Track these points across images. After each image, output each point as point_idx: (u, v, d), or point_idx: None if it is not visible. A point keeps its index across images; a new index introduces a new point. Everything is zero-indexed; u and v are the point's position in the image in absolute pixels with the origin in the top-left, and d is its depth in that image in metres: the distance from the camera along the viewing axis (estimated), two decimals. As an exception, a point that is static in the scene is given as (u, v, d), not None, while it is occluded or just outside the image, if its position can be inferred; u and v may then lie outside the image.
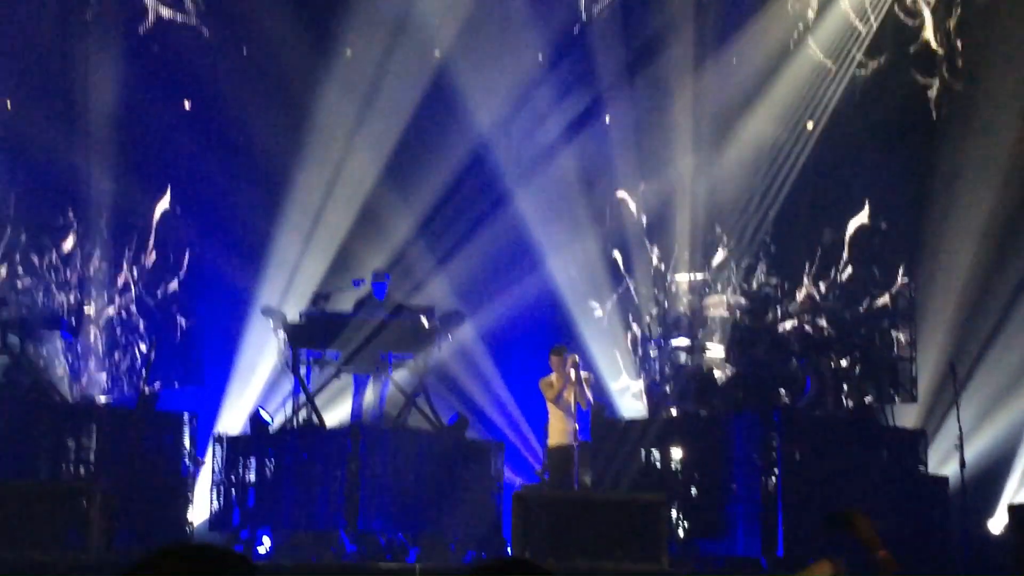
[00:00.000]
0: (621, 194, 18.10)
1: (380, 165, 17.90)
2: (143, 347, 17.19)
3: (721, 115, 17.86)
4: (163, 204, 17.88)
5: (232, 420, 16.60)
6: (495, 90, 17.92)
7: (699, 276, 16.78)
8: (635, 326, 17.44)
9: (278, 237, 17.67)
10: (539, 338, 17.11)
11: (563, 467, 13.83)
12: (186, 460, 14.33)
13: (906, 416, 15.89)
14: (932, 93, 17.72)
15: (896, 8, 17.65)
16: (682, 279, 16.89)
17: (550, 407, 14.31)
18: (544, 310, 17.81)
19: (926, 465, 14.50)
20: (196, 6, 17.79)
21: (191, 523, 14.29)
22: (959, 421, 13.86)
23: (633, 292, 17.71)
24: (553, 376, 14.33)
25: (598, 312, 17.74)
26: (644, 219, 17.95)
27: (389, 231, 17.89)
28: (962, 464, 13.73)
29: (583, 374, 14.35)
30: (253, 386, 17.00)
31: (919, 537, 13.56)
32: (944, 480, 14.45)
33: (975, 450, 15.35)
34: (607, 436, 14.45)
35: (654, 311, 17.12)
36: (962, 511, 13.80)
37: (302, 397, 14.61)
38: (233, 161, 18.03)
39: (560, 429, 14.04)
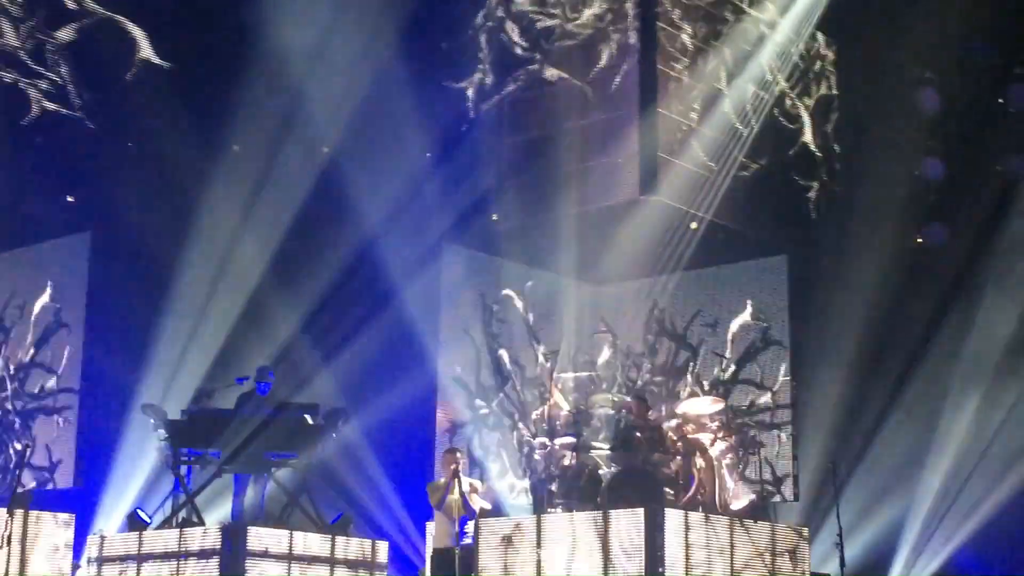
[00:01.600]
0: (507, 292, 18.18)
1: (266, 261, 17.81)
2: (18, 445, 16.83)
3: (607, 213, 18.06)
4: (43, 299, 17.61)
5: (110, 520, 16.26)
6: (382, 186, 17.96)
7: (584, 374, 16.86)
8: (521, 425, 17.46)
9: (161, 333, 17.45)
10: (423, 436, 17.06)
11: (445, 569, 13.70)
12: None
13: (788, 514, 16.05)
14: (811, 194, 18.12)
15: (776, 112, 18.07)
16: (567, 377, 16.96)
17: (435, 511, 14.22)
18: (429, 408, 17.76)
19: (808, 563, 14.61)
20: (82, 100, 17.66)
21: (65, 627, 13.94)
22: (839, 519, 14.03)
23: (519, 390, 17.74)
24: (441, 480, 14.25)
25: (484, 410, 17.73)
26: (530, 316, 18.03)
27: (274, 327, 17.76)
28: (842, 563, 13.86)
29: (475, 483, 14.27)
30: (132, 485, 16.69)
31: (800, 636, 13.63)
32: (825, 578, 14.58)
33: (856, 547, 15.53)
34: (492, 536, 14.34)
35: (540, 409, 17.16)
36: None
37: (182, 497, 14.38)
38: (116, 256, 17.84)
39: (442, 532, 13.95)
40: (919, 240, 18.04)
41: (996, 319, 17.05)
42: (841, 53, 18.66)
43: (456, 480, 13.72)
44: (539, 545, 13.97)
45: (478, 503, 14.40)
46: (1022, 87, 18.05)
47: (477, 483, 14.56)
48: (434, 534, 14.22)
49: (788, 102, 18.36)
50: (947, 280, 17.33)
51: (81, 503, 16.21)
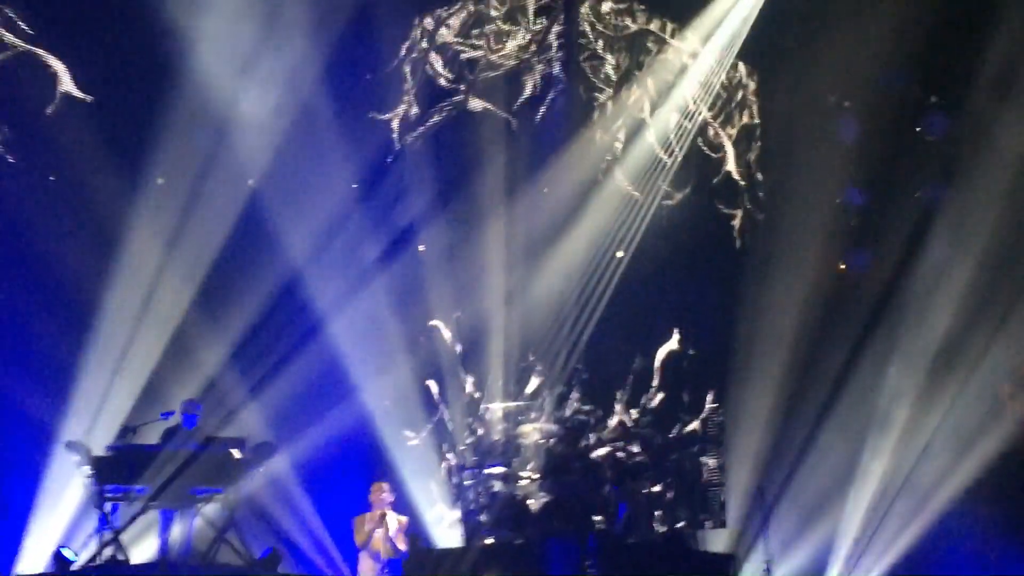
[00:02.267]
0: (435, 322, 18.18)
1: (191, 294, 17.66)
2: (-61, 484, 16.56)
3: (533, 244, 18.13)
4: (-38, 333, 17.37)
5: (33, 559, 16.02)
6: (308, 218, 17.90)
7: (513, 404, 16.88)
8: (450, 455, 17.42)
9: (84, 368, 17.23)
10: (353, 468, 16.97)
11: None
12: (-16, 602, 13.78)
13: (717, 541, 16.15)
14: (736, 222, 18.29)
15: (699, 141, 18.25)
16: (496, 407, 16.97)
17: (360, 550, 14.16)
18: (358, 439, 17.68)
19: (737, 589, 14.71)
20: (2, 133, 17.47)
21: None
22: (767, 545, 14.15)
23: (448, 420, 17.73)
24: (367, 517, 14.13)
25: (413, 441, 17.68)
26: (458, 347, 18.03)
27: (200, 361, 17.61)
28: (772, 588, 13.99)
29: (401, 519, 14.20)
30: (56, 523, 16.44)
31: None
32: (755, 603, 14.67)
33: (784, 573, 15.63)
34: (422, 566, 14.33)
35: (469, 439, 17.15)
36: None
37: (108, 533, 14.20)
38: (38, 289, 17.61)
39: (368, 567, 13.91)
40: (842, 266, 18.27)
41: (918, 343, 17.29)
42: (762, 82, 18.89)
43: (383, 521, 13.65)
44: (471, 574, 13.96)
45: (403, 543, 14.35)
46: (939, 116, 18.36)
47: (403, 519, 14.49)
48: (359, 570, 14.16)
49: (711, 131, 18.54)
50: (870, 305, 17.57)
51: (4, 541, 15.95)
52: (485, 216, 18.05)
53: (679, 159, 18.14)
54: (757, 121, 18.82)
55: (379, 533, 13.69)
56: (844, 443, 17.00)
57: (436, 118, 18.39)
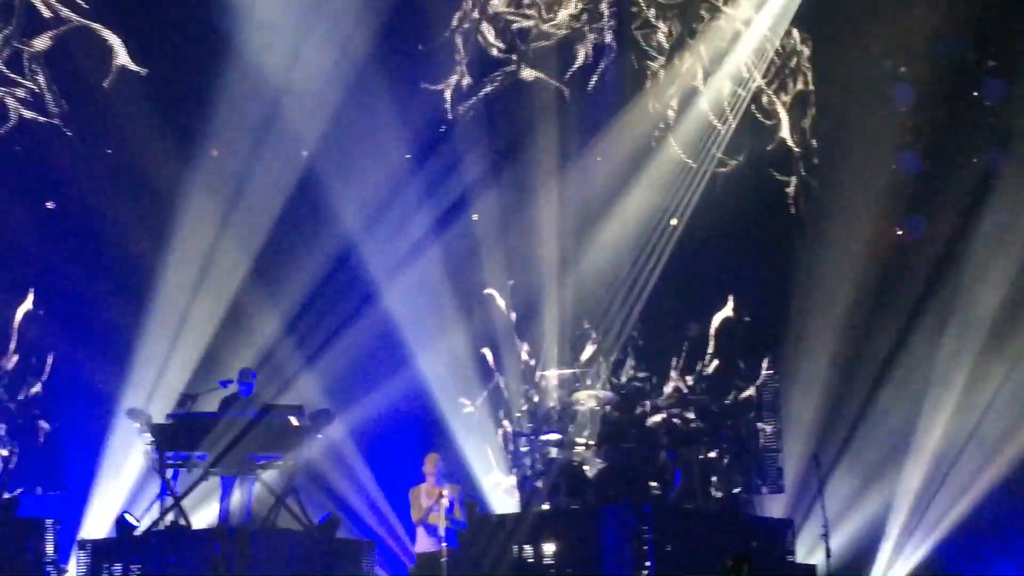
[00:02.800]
0: (490, 290, 18.22)
1: (247, 264, 17.79)
2: (3, 452, 16.78)
3: (586, 211, 18.12)
4: (25, 306, 17.57)
5: (97, 525, 16.22)
6: (362, 188, 17.97)
7: (568, 371, 16.92)
8: (506, 422, 17.49)
9: (144, 338, 17.41)
10: (410, 435, 17.07)
11: (432, 570, 13.68)
12: (48, 567, 13.96)
13: (773, 506, 16.14)
14: (790, 189, 18.21)
15: (753, 108, 18.17)
16: (551, 374, 17.02)
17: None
18: (414, 407, 17.77)
19: (794, 554, 14.68)
20: (59, 107, 17.63)
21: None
22: (824, 511, 14.11)
23: (503, 388, 17.78)
24: (423, 491, 14.13)
25: (468, 408, 17.75)
26: (513, 315, 18.07)
27: (257, 330, 17.74)
28: (828, 553, 13.94)
29: (452, 487, 14.22)
30: (118, 490, 16.64)
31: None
32: (811, 569, 14.63)
33: (841, 539, 15.60)
34: (479, 532, 14.40)
35: (524, 406, 17.21)
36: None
37: (169, 500, 14.37)
38: (97, 262, 17.79)
39: (425, 541, 13.95)
40: (898, 233, 18.16)
41: (975, 310, 17.17)
42: (817, 49, 18.76)
43: (440, 499, 13.62)
44: (528, 541, 14.02)
45: (460, 514, 14.31)
46: (996, 81, 18.18)
47: (455, 488, 14.43)
48: (417, 538, 14.19)
49: (765, 98, 18.46)
50: (927, 272, 17.45)
51: (68, 509, 16.16)
52: (538, 185, 18.06)
53: (733, 127, 18.06)
54: (811, 88, 18.70)
55: (436, 510, 13.68)
56: (901, 408, 16.92)
57: (488, 88, 18.40)
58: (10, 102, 17.57)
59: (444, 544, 13.31)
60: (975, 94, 18.19)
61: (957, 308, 17.30)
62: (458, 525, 14.01)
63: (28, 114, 17.63)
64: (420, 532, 14.12)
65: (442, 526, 13.42)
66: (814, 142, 18.54)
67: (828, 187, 18.04)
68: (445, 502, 13.62)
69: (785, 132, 18.45)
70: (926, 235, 17.98)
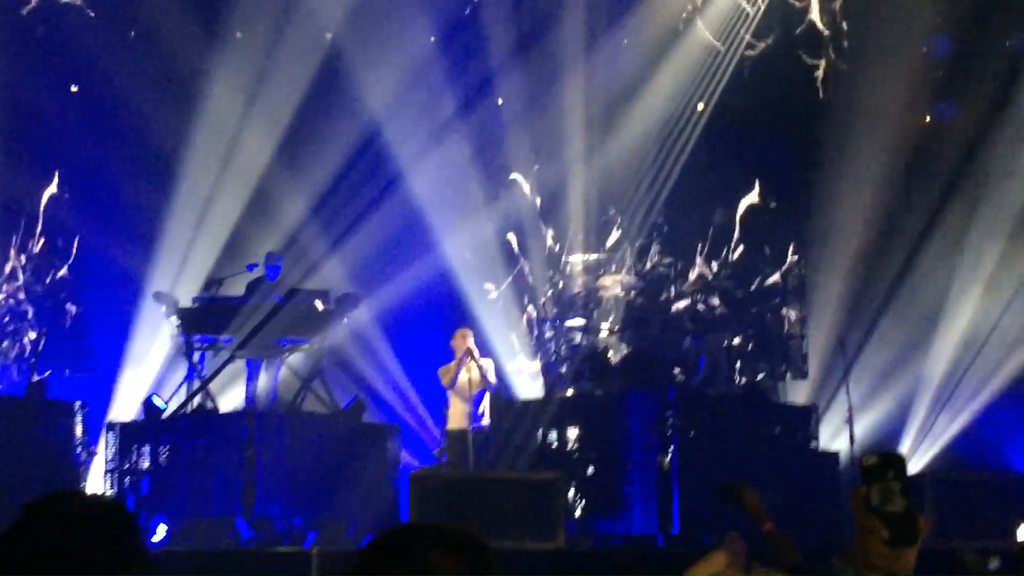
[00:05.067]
0: (515, 175, 18.14)
1: (272, 148, 17.76)
2: (32, 335, 16.92)
3: (612, 96, 17.96)
4: (50, 189, 17.60)
5: (125, 407, 16.39)
6: (386, 71, 17.84)
7: (593, 257, 16.89)
8: (530, 307, 17.51)
9: (169, 222, 17.45)
10: (434, 320, 17.12)
11: (461, 449, 13.85)
12: (78, 449, 14.13)
13: (797, 392, 16.17)
14: (819, 73, 17.99)
15: (783, -11, 17.89)
16: (576, 260, 16.99)
17: (448, 391, 14.27)
18: (439, 292, 17.80)
19: (817, 440, 14.73)
20: (82, -12, 17.49)
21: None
22: (848, 397, 14.14)
23: (528, 273, 17.78)
24: (453, 363, 14.27)
25: (493, 294, 17.77)
26: (538, 200, 18.01)
27: (282, 214, 17.76)
28: (852, 439, 14.01)
29: (486, 361, 14.29)
30: (146, 373, 16.79)
31: (810, 512, 13.77)
32: (834, 456, 14.69)
33: (864, 425, 15.64)
34: (503, 417, 14.49)
35: (549, 292, 17.21)
36: (852, 486, 14.06)
37: (196, 383, 14.50)
38: (122, 145, 17.78)
39: (457, 412, 14.03)
40: (928, 118, 17.95)
41: (1005, 196, 17.02)
42: (849, -71, 18.40)
43: (469, 357, 13.72)
44: (552, 426, 14.11)
45: (493, 377, 14.44)
46: (1032, -38, 17.82)
47: (488, 361, 14.59)
48: (449, 415, 14.29)
49: (795, -21, 18.16)
50: (956, 157, 17.27)
51: (96, 391, 16.32)
52: (564, 67, 17.88)
53: (762, 8, 17.79)
54: (843, -31, 18.37)
55: (464, 375, 13.77)
56: (927, 295, 16.86)
57: (515, -32, 18.15)
58: (32, -18, 17.43)
59: (472, 410, 13.33)
60: (1009, -25, 17.84)
61: (986, 194, 17.15)
62: (491, 387, 14.05)
63: (51, -6, 17.49)
64: (452, 401, 14.05)
65: (471, 389, 13.43)
66: (844, 24, 18.24)
67: (857, 71, 17.78)
68: (474, 365, 13.63)
69: (815, 14, 18.15)
70: (956, 119, 17.76)
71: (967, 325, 16.61)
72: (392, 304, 17.45)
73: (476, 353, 14.16)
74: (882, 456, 3.11)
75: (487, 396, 13.83)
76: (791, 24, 17.90)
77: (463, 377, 14.02)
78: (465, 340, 13.93)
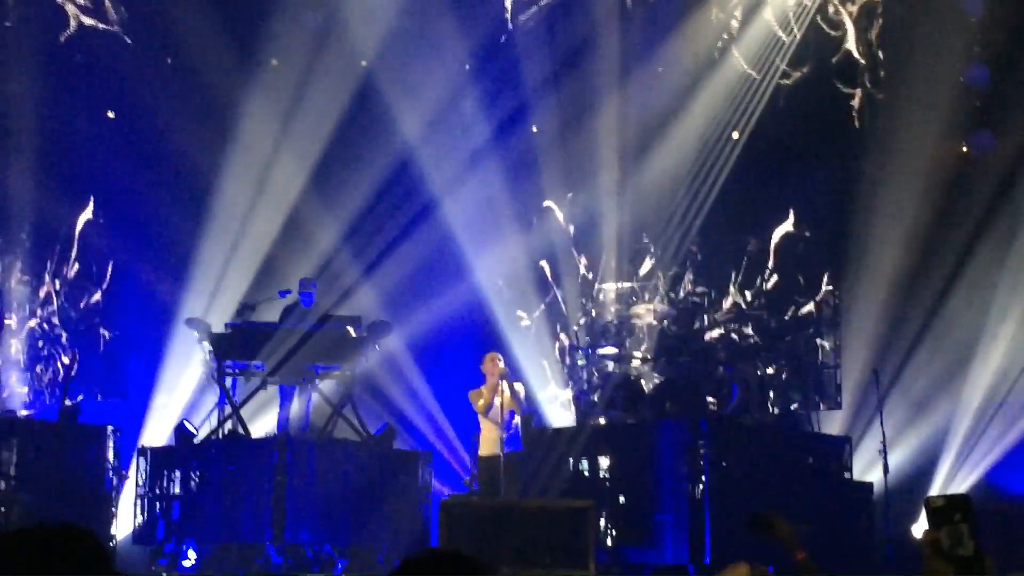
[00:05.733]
0: (548, 203, 18.12)
1: (306, 174, 17.80)
2: (65, 359, 16.97)
3: (647, 124, 17.92)
4: (86, 214, 17.69)
5: (157, 432, 16.42)
6: (421, 98, 17.89)
7: (626, 285, 16.84)
8: (563, 335, 17.46)
9: (203, 247, 17.51)
10: (466, 347, 17.08)
11: (492, 476, 13.76)
12: (110, 473, 14.14)
13: (831, 423, 16.05)
14: (855, 102, 17.91)
15: (819, 19, 17.83)
16: (609, 288, 16.95)
17: (480, 417, 14.16)
18: (471, 319, 17.78)
19: (851, 471, 14.62)
20: (119, 15, 17.61)
21: (114, 537, 14.11)
22: (883, 427, 14.02)
23: (561, 301, 17.74)
24: (483, 387, 14.17)
25: (525, 321, 17.74)
26: (571, 228, 17.98)
27: (315, 240, 17.79)
28: (885, 470, 13.89)
29: (517, 385, 14.19)
30: (178, 398, 16.83)
31: (843, 542, 13.66)
32: (868, 486, 14.57)
33: (898, 456, 15.51)
34: (535, 445, 14.43)
35: (582, 320, 17.16)
36: (885, 516, 13.94)
37: (228, 408, 14.49)
38: (157, 171, 17.87)
39: (489, 439, 13.92)
40: (964, 148, 17.84)
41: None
42: (885, -42, 18.35)
43: (502, 381, 13.59)
44: (584, 454, 14.04)
45: (523, 399, 14.28)
46: (1069, -8, 17.71)
47: (519, 386, 14.47)
48: (481, 441, 14.16)
49: (831, 8, 18.10)
50: (992, 188, 17.14)
51: (128, 416, 16.35)
52: (599, 96, 17.88)
53: (798, 37, 17.74)
54: (879, -2, 18.31)
55: (497, 400, 13.64)
56: (963, 326, 16.71)
57: (550, -3, 18.19)
58: (70, 9, 17.58)
59: (504, 435, 13.21)
60: (1047, 5, 17.73)
61: (1022, 226, 17.00)
62: (523, 408, 13.91)
63: (88, 21, 17.62)
64: (484, 430, 13.90)
65: (504, 413, 13.31)
66: (880, 53, 18.17)
67: (893, 100, 17.70)
68: (506, 389, 13.53)
69: (851, 43, 18.09)
70: (992, 149, 17.64)
71: (1002, 356, 16.45)
72: (424, 331, 17.44)
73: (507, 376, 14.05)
74: (948, 498, 3.06)
75: (517, 418, 13.71)
76: (827, 53, 17.84)
77: (496, 401, 13.90)
78: (496, 363, 13.81)
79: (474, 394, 14.06)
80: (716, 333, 15.75)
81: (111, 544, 13.92)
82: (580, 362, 16.18)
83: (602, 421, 14.95)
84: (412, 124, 17.85)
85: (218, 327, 14.86)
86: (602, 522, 13.37)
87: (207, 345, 14.65)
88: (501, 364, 13.83)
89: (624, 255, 17.36)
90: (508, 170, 18.10)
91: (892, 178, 17.13)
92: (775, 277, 16.85)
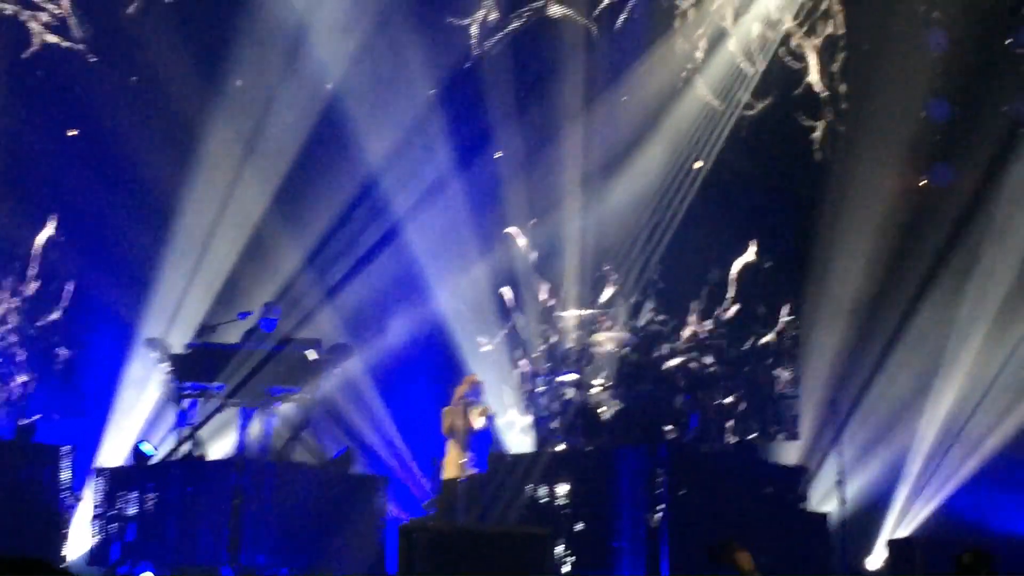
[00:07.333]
0: (510, 229, 18.16)
1: (269, 196, 17.77)
2: (22, 378, 16.85)
3: (610, 153, 18.01)
4: (46, 232, 17.59)
5: (113, 453, 16.31)
6: (385, 123, 17.91)
7: (587, 312, 16.87)
8: (523, 361, 17.47)
9: (164, 267, 17.43)
10: (427, 372, 17.08)
11: (451, 501, 13.74)
12: (64, 494, 14.04)
13: (788, 453, 16.12)
14: (817, 134, 18.06)
15: (782, 51, 17.97)
16: (570, 315, 16.97)
17: (447, 439, 14.05)
18: (432, 344, 17.77)
19: (807, 501, 14.68)
20: (83, 32, 17.55)
21: (65, 558, 14.00)
22: (840, 459, 14.10)
23: (521, 327, 17.76)
24: (455, 410, 14.08)
25: (486, 347, 17.75)
26: (533, 255, 18.02)
27: (277, 263, 17.75)
28: (842, 501, 13.96)
29: (481, 407, 14.13)
30: (136, 418, 16.72)
31: (799, 572, 13.70)
32: (824, 516, 14.63)
33: (855, 487, 15.60)
34: (494, 471, 14.42)
35: (542, 346, 17.17)
36: (842, 547, 14.01)
37: (186, 429, 14.43)
38: (119, 190, 17.78)
39: (452, 461, 13.87)
40: (924, 181, 18.01)
41: (1000, 261, 17.04)
42: (848, -8, 18.53)
43: (463, 405, 13.54)
44: (543, 481, 14.04)
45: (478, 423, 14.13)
46: (1028, 29, 17.94)
47: (486, 408, 14.32)
48: (445, 464, 14.08)
49: (794, 41, 18.26)
50: (951, 221, 17.31)
51: (85, 435, 16.24)
52: (563, 123, 17.95)
53: (760, 69, 17.88)
54: (842, 31, 18.47)
55: (460, 422, 13.58)
56: (920, 359, 16.85)
57: (515, 24, 18.24)
58: (34, 26, 17.50)
59: (468, 457, 13.16)
60: (1007, 42, 17.95)
61: (981, 259, 17.17)
62: (479, 431, 13.82)
63: (52, 39, 17.56)
64: (449, 451, 13.78)
65: (477, 421, 13.24)
66: (843, 87, 18.34)
67: (855, 132, 17.86)
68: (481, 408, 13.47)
69: (813, 75, 18.25)
70: (952, 183, 17.82)
71: (960, 388, 16.59)
72: (385, 355, 17.42)
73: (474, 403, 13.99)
74: (974, 554, 3.22)
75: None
76: (790, 85, 17.98)
77: (460, 424, 13.83)
78: (470, 387, 13.81)
79: (446, 412, 13.91)
80: (676, 362, 15.80)
81: (62, 567, 13.79)
82: (540, 388, 16.19)
83: (561, 447, 14.95)
84: (376, 148, 17.86)
85: (178, 348, 14.80)
86: (560, 548, 13.37)
87: (166, 365, 14.59)
88: (477, 386, 13.79)
89: (585, 282, 17.41)
90: (471, 196, 18.13)
91: (853, 210, 17.28)
92: (735, 307, 16.93)
